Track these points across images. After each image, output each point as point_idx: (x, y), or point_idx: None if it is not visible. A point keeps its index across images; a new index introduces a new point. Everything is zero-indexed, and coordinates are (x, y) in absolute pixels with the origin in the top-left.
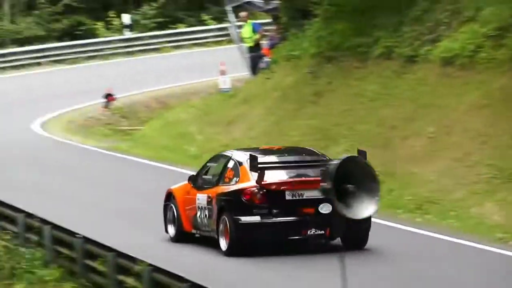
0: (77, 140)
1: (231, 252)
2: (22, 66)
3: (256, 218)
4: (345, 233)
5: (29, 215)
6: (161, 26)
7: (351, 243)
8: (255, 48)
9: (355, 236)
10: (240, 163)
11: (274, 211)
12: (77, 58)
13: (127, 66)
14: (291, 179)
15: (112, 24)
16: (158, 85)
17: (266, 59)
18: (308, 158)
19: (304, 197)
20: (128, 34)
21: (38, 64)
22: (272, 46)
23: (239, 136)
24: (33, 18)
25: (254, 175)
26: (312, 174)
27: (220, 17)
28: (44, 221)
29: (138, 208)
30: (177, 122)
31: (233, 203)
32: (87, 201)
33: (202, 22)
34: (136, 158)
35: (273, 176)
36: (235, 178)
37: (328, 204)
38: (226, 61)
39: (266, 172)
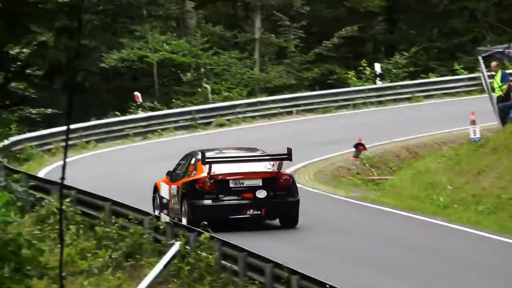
0: (326, 189)
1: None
2: (272, 115)
3: (207, 202)
4: (280, 214)
5: (277, 265)
6: (412, 75)
7: (286, 222)
8: (505, 98)
9: (289, 217)
10: (198, 159)
11: (221, 196)
12: (327, 107)
13: (378, 115)
14: (234, 171)
15: (363, 73)
16: (408, 135)
17: None
18: (250, 154)
19: (244, 185)
20: (379, 83)
21: (289, 113)
22: None
23: (488, 185)
24: (284, 66)
25: (207, 168)
26: (251, 167)
27: (472, 67)
28: (292, 271)
29: (388, 258)
30: (427, 172)
31: (190, 190)
32: (335, 249)
33: (453, 72)
34: (384, 208)
35: (221, 169)
36: (194, 171)
37: (263, 190)
38: (476, 110)
39: (217, 165)
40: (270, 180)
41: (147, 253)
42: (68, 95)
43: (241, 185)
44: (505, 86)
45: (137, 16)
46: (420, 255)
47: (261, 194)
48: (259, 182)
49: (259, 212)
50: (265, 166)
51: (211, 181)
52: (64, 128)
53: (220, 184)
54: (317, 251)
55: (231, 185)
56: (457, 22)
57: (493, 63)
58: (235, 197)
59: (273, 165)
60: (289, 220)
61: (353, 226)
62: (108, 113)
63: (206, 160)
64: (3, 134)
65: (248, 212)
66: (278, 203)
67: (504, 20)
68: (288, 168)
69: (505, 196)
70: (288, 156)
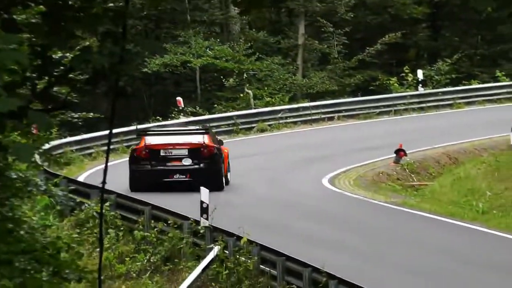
0: (366, 195)
1: (132, 189)
2: (314, 121)
3: (142, 167)
4: (203, 179)
5: (316, 270)
6: (454, 82)
7: (210, 186)
8: None
9: (212, 182)
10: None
11: (154, 162)
12: (369, 113)
13: (419, 122)
14: (164, 142)
15: (405, 80)
16: (449, 141)
17: None
18: (177, 128)
19: (172, 154)
20: (421, 90)
21: (331, 119)
22: None
23: None
24: (326, 72)
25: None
26: (180, 139)
27: None
28: (331, 276)
29: (427, 265)
30: (467, 178)
31: (131, 158)
32: (375, 255)
33: (495, 79)
34: (423, 213)
35: (155, 140)
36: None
37: (189, 158)
38: None
39: (154, 138)
40: (195, 150)
41: (186, 257)
42: (111, 100)
43: (170, 154)
44: None
45: (181, 22)
46: (457, 261)
47: (187, 161)
48: (185, 152)
49: (184, 177)
50: (193, 139)
51: (146, 151)
52: (105, 132)
53: (153, 153)
54: (354, 255)
55: (162, 153)
56: (505, 28)
57: None
58: (165, 164)
59: (204, 138)
60: (213, 185)
61: (390, 231)
62: (150, 118)
63: (140, 132)
64: (44, 138)
65: (175, 177)
66: (201, 169)
67: None
68: (329, 174)
69: None
70: (206, 130)
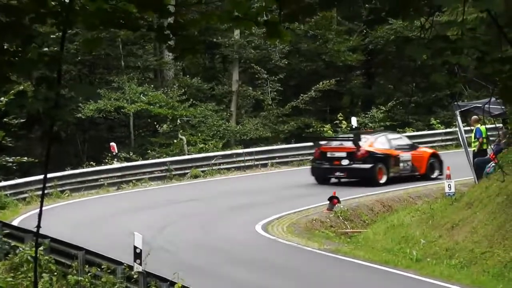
0: (299, 242)
1: (317, 181)
2: (247, 167)
3: (316, 165)
4: (357, 176)
5: None
6: (388, 129)
7: (364, 181)
8: (480, 153)
9: (365, 178)
10: None
11: (323, 161)
12: (303, 160)
13: None
14: (331, 146)
15: (339, 127)
16: (383, 189)
17: (492, 164)
18: (344, 136)
19: (335, 156)
20: None
21: (264, 165)
22: (498, 151)
23: (461, 240)
24: (260, 119)
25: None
26: (343, 144)
27: (448, 122)
28: None
29: None
30: (400, 226)
31: (313, 157)
32: None
33: (430, 126)
34: (357, 261)
35: (327, 145)
36: None
37: (346, 159)
38: (452, 165)
39: (328, 143)
40: (352, 153)
41: None
42: (46, 144)
43: (333, 156)
44: (477, 143)
45: (115, 67)
46: None
47: (345, 162)
48: (344, 154)
49: (343, 174)
50: (351, 144)
51: (319, 152)
52: (39, 177)
53: (323, 154)
54: None
55: (328, 155)
56: (439, 76)
57: (472, 118)
58: (329, 163)
59: (357, 144)
60: (366, 181)
61: (324, 278)
62: (83, 163)
63: (313, 140)
64: None
65: (336, 174)
66: (356, 168)
67: (485, 75)
68: (262, 220)
69: (478, 251)
70: (355, 138)
